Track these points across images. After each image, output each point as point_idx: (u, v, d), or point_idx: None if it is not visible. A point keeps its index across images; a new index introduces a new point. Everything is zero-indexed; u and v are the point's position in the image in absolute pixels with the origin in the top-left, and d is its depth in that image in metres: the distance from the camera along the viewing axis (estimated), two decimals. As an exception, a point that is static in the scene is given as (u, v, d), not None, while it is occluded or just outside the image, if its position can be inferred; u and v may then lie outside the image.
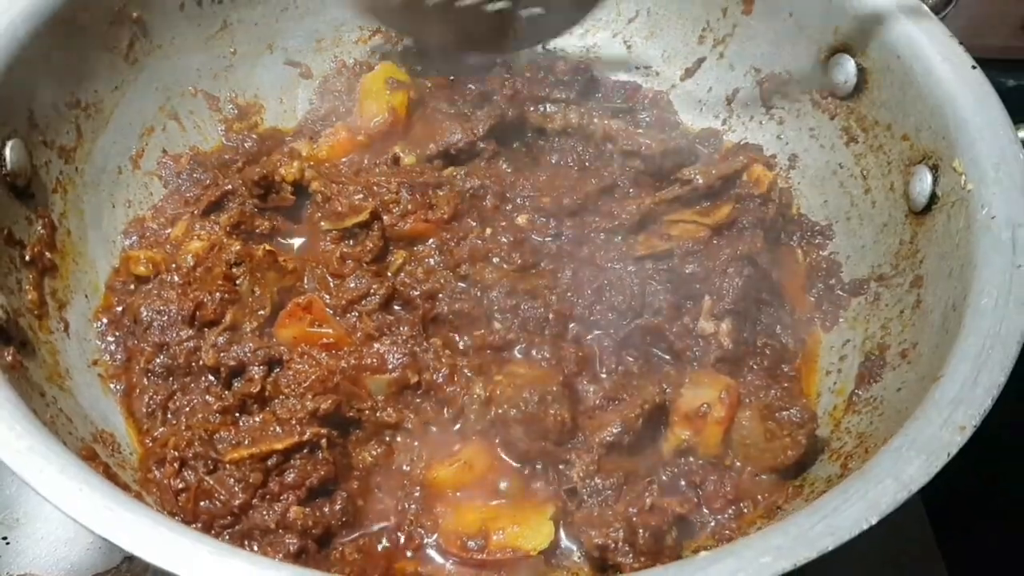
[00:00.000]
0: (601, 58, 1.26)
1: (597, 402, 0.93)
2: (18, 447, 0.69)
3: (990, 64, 0.98)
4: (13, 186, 0.93)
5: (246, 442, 0.87)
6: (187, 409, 0.92)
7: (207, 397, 0.92)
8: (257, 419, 0.90)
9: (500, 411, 0.90)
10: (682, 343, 0.97)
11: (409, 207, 1.04)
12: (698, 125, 1.21)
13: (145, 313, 0.96)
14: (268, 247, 1.00)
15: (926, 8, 1.01)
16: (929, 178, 0.95)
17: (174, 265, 1.00)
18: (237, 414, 0.91)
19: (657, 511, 0.84)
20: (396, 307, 0.99)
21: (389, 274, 1.01)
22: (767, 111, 1.17)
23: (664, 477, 0.90)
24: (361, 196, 1.04)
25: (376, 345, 0.94)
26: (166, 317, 0.96)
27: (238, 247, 0.99)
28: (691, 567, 0.66)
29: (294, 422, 0.88)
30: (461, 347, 0.96)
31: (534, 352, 0.95)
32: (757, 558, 0.64)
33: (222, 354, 0.92)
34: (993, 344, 0.77)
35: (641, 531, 0.82)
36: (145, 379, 0.95)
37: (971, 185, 0.89)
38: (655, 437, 0.92)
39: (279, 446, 0.86)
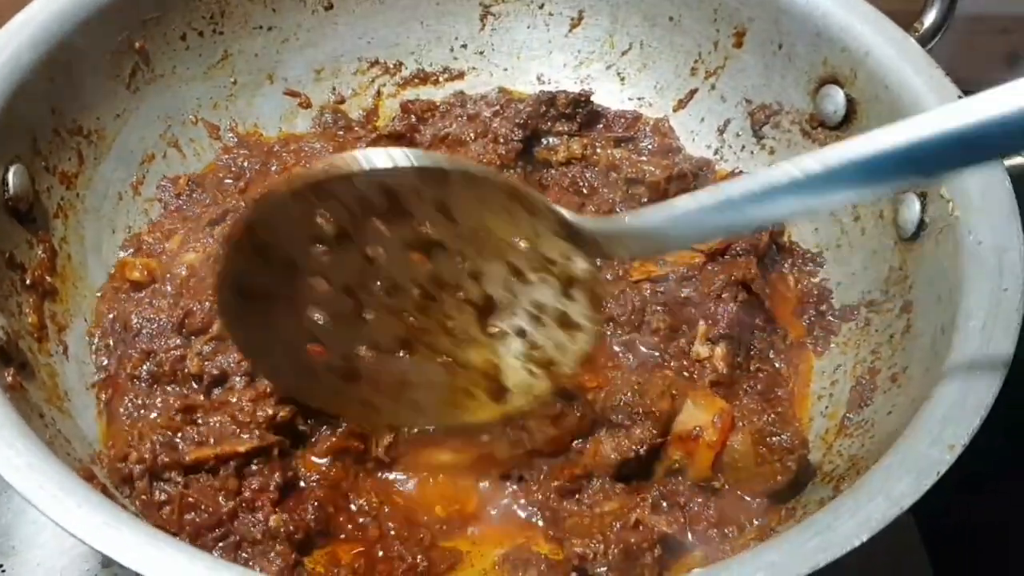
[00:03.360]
0: (595, 89, 1.28)
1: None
2: (18, 464, 0.70)
3: None
4: (15, 210, 0.94)
5: (210, 442, 0.88)
6: (152, 414, 0.93)
7: (171, 399, 0.93)
8: (214, 420, 0.90)
9: None
10: (678, 364, 0.98)
11: None
12: (691, 155, 1.23)
13: (136, 320, 0.97)
14: None
15: (913, 40, 1.04)
16: (917, 206, 0.97)
17: (168, 275, 1.01)
18: (198, 414, 0.91)
19: (642, 528, 0.85)
20: None
21: None
22: (758, 141, 1.19)
23: (654, 494, 0.90)
24: None
25: None
26: (155, 325, 0.97)
27: None
28: (685, 583, 0.67)
29: (253, 426, 0.89)
30: None
31: None
32: (751, 574, 0.65)
33: (207, 363, 0.94)
34: (981, 365, 0.78)
35: (620, 546, 0.83)
36: (130, 383, 0.95)
37: (958, 212, 0.91)
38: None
39: (241, 449, 0.87)
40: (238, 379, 0.93)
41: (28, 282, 0.94)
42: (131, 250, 1.07)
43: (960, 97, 0.98)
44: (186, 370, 0.94)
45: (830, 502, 0.73)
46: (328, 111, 1.25)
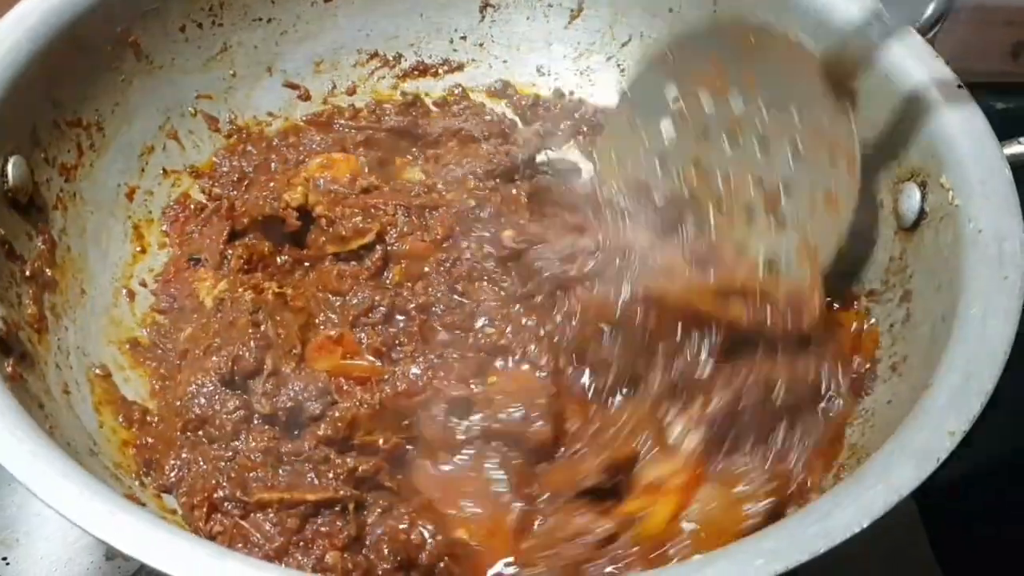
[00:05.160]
0: (594, 82, 1.28)
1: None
2: (20, 451, 0.70)
3: (980, 88, 1.00)
4: (15, 202, 0.94)
5: (281, 485, 0.86)
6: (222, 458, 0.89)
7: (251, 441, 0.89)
8: (291, 467, 0.88)
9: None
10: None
11: (405, 229, 1.06)
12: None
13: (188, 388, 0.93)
14: (276, 289, 1.01)
15: (911, 28, 1.03)
16: (917, 195, 0.97)
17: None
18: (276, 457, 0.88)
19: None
20: (398, 318, 1.00)
21: (389, 286, 1.02)
22: (758, 134, 1.19)
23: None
24: (360, 218, 1.06)
25: (398, 369, 0.94)
26: (207, 388, 0.92)
27: (251, 295, 1.00)
28: (684, 569, 0.67)
29: (331, 475, 0.87)
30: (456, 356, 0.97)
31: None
32: (751, 560, 0.65)
33: (275, 400, 0.91)
34: (981, 353, 0.78)
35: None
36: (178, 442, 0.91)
37: (958, 200, 0.91)
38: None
39: (311, 497, 0.85)
40: (314, 404, 0.90)
41: (28, 273, 0.93)
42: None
43: (960, 87, 0.98)
44: (256, 417, 0.91)
45: (830, 489, 0.73)
46: (328, 103, 1.25)
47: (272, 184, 1.11)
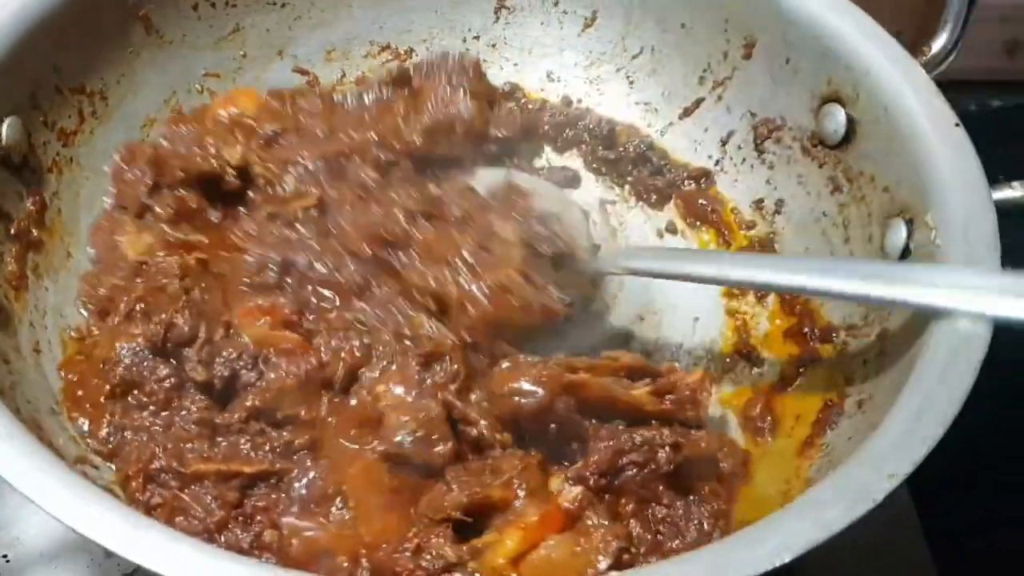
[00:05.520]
0: (603, 92, 1.27)
1: None
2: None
3: (975, 86, 0.98)
4: (6, 160, 0.96)
5: (218, 457, 0.86)
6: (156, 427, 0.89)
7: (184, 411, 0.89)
8: (226, 440, 0.88)
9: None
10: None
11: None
12: (692, 164, 1.22)
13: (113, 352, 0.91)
14: (200, 255, 0.99)
15: (917, 63, 1.02)
16: (904, 231, 0.95)
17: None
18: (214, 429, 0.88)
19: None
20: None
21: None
22: (759, 155, 1.17)
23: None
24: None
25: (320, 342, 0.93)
26: (134, 354, 0.91)
27: (178, 259, 0.97)
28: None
29: (267, 448, 0.87)
30: None
31: None
32: (661, 583, 0.64)
33: (211, 368, 0.91)
34: (936, 398, 0.76)
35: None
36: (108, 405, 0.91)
37: (939, 240, 0.89)
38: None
39: (248, 470, 0.85)
40: (249, 374, 0.90)
41: (12, 232, 0.96)
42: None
43: (957, 126, 0.96)
44: (189, 384, 0.90)
45: (761, 520, 0.72)
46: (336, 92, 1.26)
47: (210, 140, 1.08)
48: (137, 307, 0.93)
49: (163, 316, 0.91)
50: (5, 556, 1.02)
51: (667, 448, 0.86)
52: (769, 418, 1.01)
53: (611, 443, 0.86)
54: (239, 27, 1.20)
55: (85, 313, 0.99)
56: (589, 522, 0.81)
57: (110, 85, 1.10)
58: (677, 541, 0.85)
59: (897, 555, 1.09)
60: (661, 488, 0.87)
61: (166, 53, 1.15)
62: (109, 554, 0.65)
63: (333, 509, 0.84)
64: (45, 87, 1.02)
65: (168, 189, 1.05)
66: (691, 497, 0.88)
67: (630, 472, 0.85)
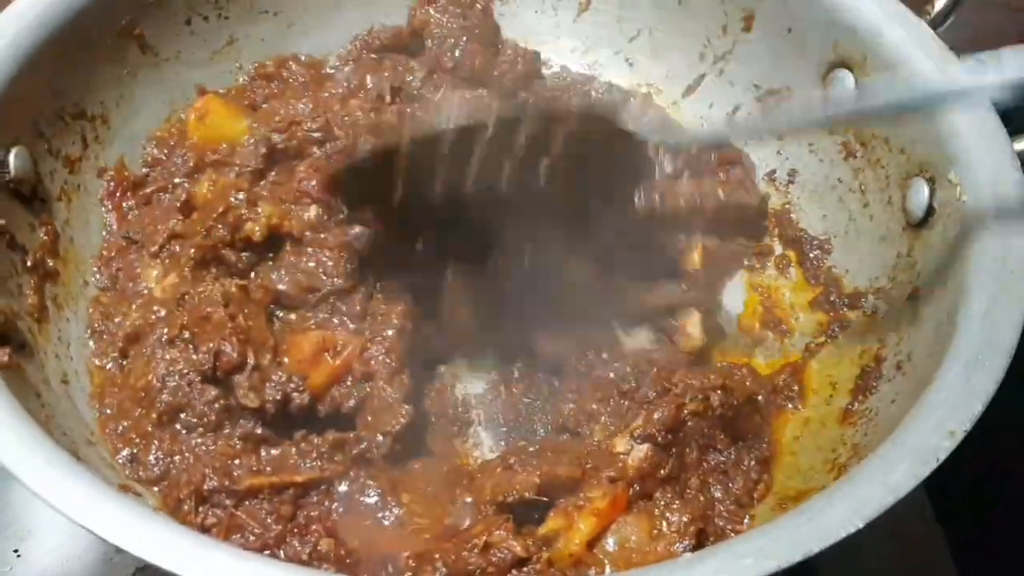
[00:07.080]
0: (602, 76, 1.27)
1: None
2: (7, 439, 0.70)
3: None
4: (17, 192, 0.95)
5: (267, 470, 0.86)
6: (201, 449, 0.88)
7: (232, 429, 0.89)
8: (276, 451, 0.88)
9: None
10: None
11: None
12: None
13: (154, 378, 0.90)
14: (239, 282, 0.97)
15: (924, 22, 1.01)
16: (926, 191, 0.95)
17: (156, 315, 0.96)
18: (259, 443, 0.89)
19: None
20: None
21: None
22: (767, 126, 1.17)
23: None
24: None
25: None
26: (178, 379, 0.89)
27: (220, 288, 0.95)
28: (673, 568, 0.66)
29: (314, 455, 0.87)
30: None
31: None
32: (739, 560, 0.64)
33: (262, 393, 0.89)
34: (984, 352, 0.76)
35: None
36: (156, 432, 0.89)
37: (966, 196, 0.89)
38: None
39: (299, 479, 0.85)
40: (299, 396, 0.89)
41: (29, 264, 0.94)
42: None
43: (970, 80, 0.96)
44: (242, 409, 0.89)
45: (825, 489, 0.71)
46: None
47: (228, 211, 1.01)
48: (180, 335, 0.91)
49: (211, 345, 0.89)
50: (16, 551, 1.02)
51: (719, 391, 0.89)
52: (796, 387, 1.01)
53: (667, 399, 0.88)
54: (233, 39, 1.19)
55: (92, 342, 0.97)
56: (661, 502, 0.82)
57: (110, 108, 1.08)
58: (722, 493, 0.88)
59: (915, 549, 1.10)
60: (717, 433, 0.90)
61: (162, 71, 1.13)
62: (119, 550, 0.65)
63: (385, 509, 0.83)
64: (46, 113, 1.00)
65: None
66: (739, 443, 0.91)
67: (690, 423, 0.88)
